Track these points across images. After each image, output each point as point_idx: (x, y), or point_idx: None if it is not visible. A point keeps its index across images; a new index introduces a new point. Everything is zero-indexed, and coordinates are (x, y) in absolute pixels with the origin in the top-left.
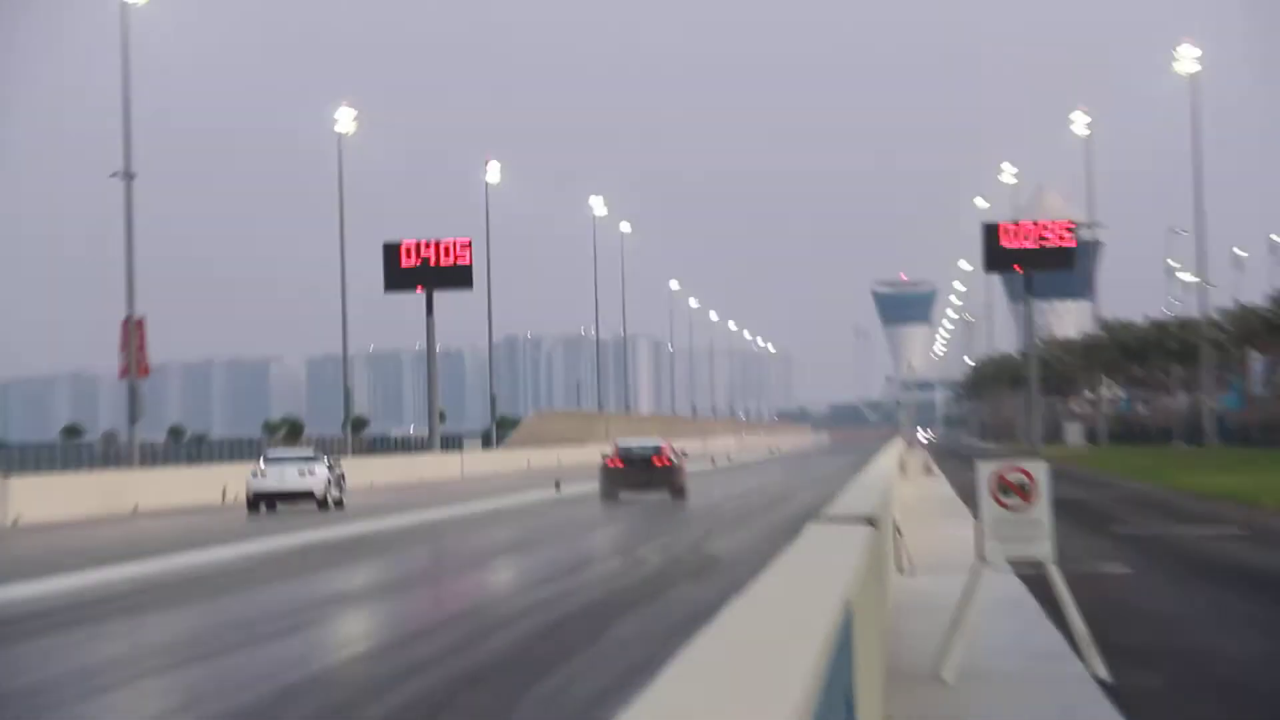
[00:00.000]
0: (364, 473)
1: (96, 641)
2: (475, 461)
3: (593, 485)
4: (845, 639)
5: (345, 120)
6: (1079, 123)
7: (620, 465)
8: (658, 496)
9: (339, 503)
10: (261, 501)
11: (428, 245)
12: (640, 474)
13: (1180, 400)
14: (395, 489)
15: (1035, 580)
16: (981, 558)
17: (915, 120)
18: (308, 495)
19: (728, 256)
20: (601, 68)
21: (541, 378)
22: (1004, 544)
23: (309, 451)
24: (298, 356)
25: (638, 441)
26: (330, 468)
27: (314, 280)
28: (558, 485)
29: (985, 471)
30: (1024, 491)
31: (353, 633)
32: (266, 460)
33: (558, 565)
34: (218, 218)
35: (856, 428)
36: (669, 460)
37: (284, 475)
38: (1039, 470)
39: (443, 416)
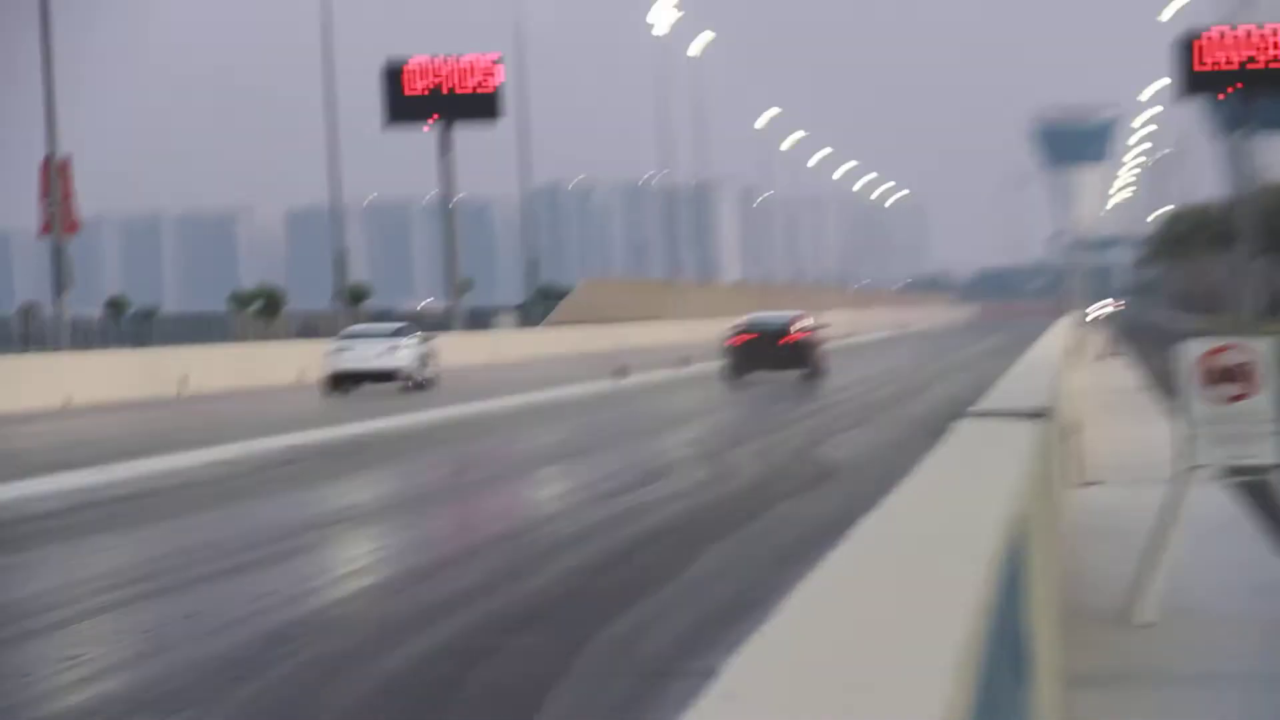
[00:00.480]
0: None
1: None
2: (510, 343)
3: (662, 373)
4: (1015, 567)
5: None
6: None
7: (749, 340)
8: (793, 374)
9: (428, 383)
10: (344, 381)
11: (442, 64)
12: (772, 350)
13: None
14: None
15: (1255, 494)
16: (1187, 464)
17: None
18: (392, 374)
19: (843, 82)
20: None
21: (594, 237)
22: (1218, 446)
23: (396, 325)
24: (274, 208)
25: (769, 314)
26: (423, 341)
27: (294, 109)
28: (620, 373)
29: (1191, 352)
30: (1245, 377)
31: (359, 562)
32: (347, 335)
33: (624, 474)
34: (168, 17)
35: (1012, 299)
36: (801, 334)
37: (367, 352)
38: (1263, 349)
39: (467, 285)
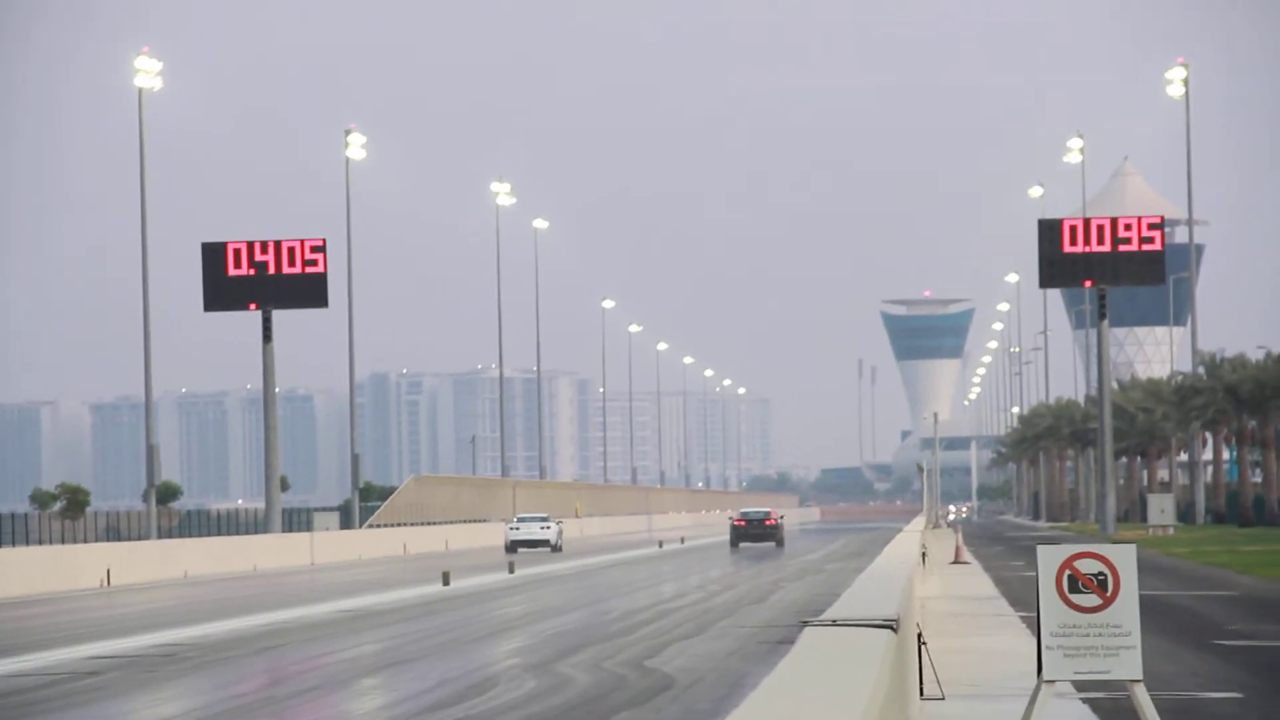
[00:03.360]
0: (175, 561)
1: None
2: (331, 545)
3: (495, 575)
4: None
5: (147, 72)
6: (1175, 80)
7: (744, 524)
8: (768, 546)
9: (559, 549)
10: (518, 547)
11: (265, 247)
12: (755, 530)
13: None
14: (220, 581)
15: (1114, 709)
16: (1043, 677)
17: (946, 83)
18: (546, 543)
19: (686, 275)
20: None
21: (422, 431)
22: (1074, 658)
23: (543, 516)
24: (79, 400)
25: (753, 509)
26: (558, 524)
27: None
28: (446, 578)
29: (1049, 559)
30: (1102, 587)
31: None
32: (518, 520)
33: (449, 685)
34: None
35: (859, 500)
36: (775, 521)
37: (531, 530)
38: (1123, 557)
39: (285, 484)
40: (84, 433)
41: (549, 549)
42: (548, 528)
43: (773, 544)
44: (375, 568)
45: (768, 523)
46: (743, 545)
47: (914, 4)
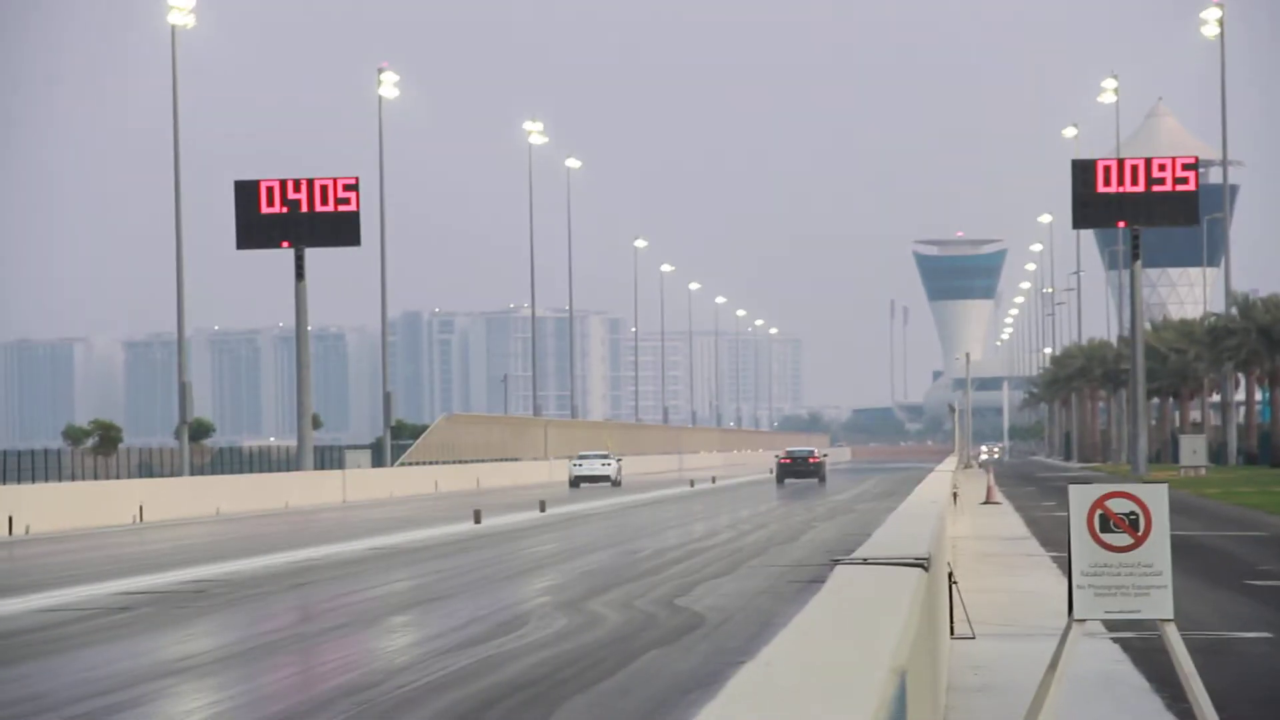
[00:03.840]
0: (207, 498)
1: None
2: (363, 483)
3: (526, 514)
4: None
5: (180, 9)
6: (1210, 21)
7: (789, 462)
8: (812, 482)
9: (619, 485)
10: (581, 481)
11: (298, 185)
12: (800, 467)
13: None
14: (252, 518)
15: (1144, 649)
16: (1074, 616)
17: (978, 26)
18: (607, 478)
19: (718, 214)
20: None
21: (454, 370)
22: (1105, 597)
23: (604, 453)
24: (112, 337)
25: (798, 448)
26: (618, 461)
27: (139, 232)
28: (477, 516)
29: (1080, 499)
30: (1133, 526)
31: (197, 717)
32: (581, 457)
33: (479, 624)
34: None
35: (890, 440)
36: (818, 459)
37: (593, 466)
38: (1155, 497)
39: (317, 421)
40: (117, 369)
41: (610, 484)
42: (609, 464)
43: (815, 480)
44: (407, 505)
45: (812, 460)
46: (788, 481)
47: None
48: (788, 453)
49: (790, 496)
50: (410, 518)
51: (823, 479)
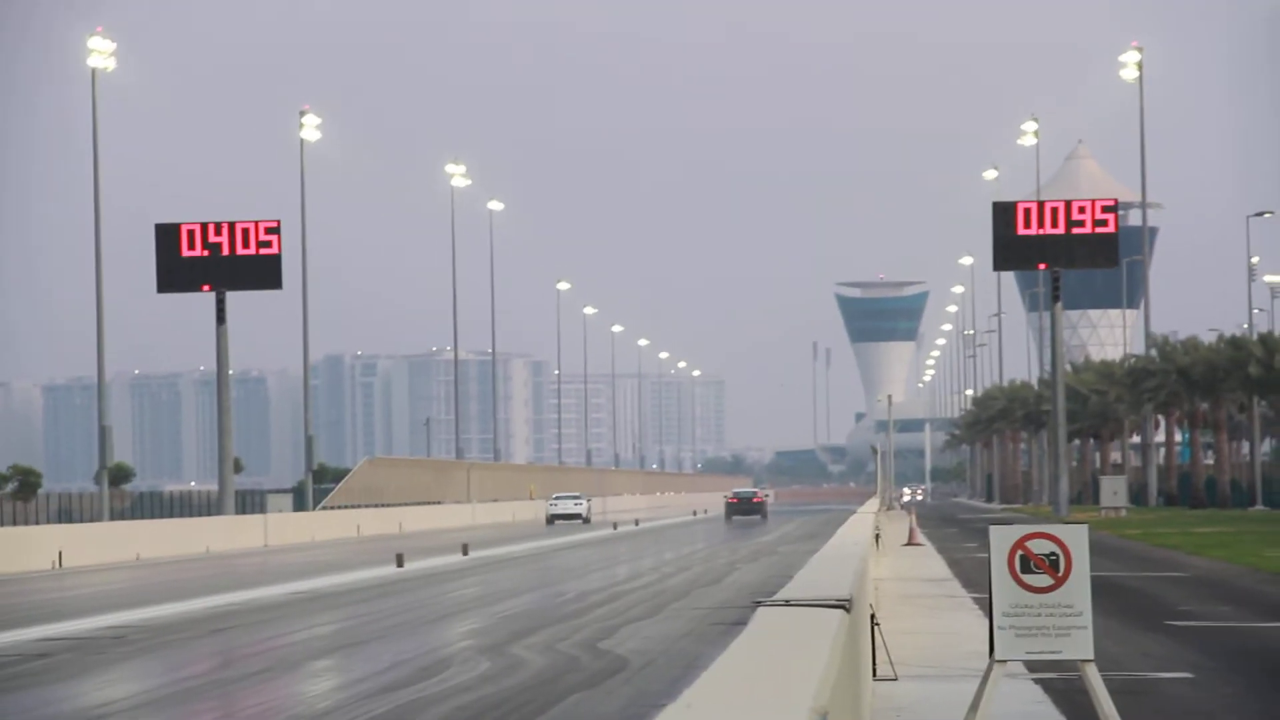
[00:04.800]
0: (127, 543)
1: None
2: (285, 527)
3: (449, 557)
4: None
5: (101, 53)
6: (1129, 64)
7: (736, 501)
8: (756, 519)
9: (589, 522)
10: (556, 519)
11: (219, 229)
12: (745, 505)
13: (1262, 448)
14: (172, 563)
15: (1065, 690)
16: (995, 656)
17: (903, 68)
18: (579, 516)
19: (640, 257)
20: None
21: (377, 413)
22: (1026, 638)
23: (578, 494)
24: (30, 380)
25: (744, 489)
26: (588, 501)
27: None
28: (400, 560)
29: (1001, 540)
30: (1054, 567)
31: None
32: (556, 499)
33: (402, 667)
34: None
35: (813, 482)
36: (760, 499)
37: (566, 506)
38: (1075, 538)
39: (239, 465)
40: (35, 413)
41: (581, 521)
42: (580, 504)
43: (759, 516)
44: (329, 550)
45: (755, 500)
46: (735, 518)
47: None
48: (735, 493)
49: (715, 538)
50: (332, 562)
51: (765, 516)
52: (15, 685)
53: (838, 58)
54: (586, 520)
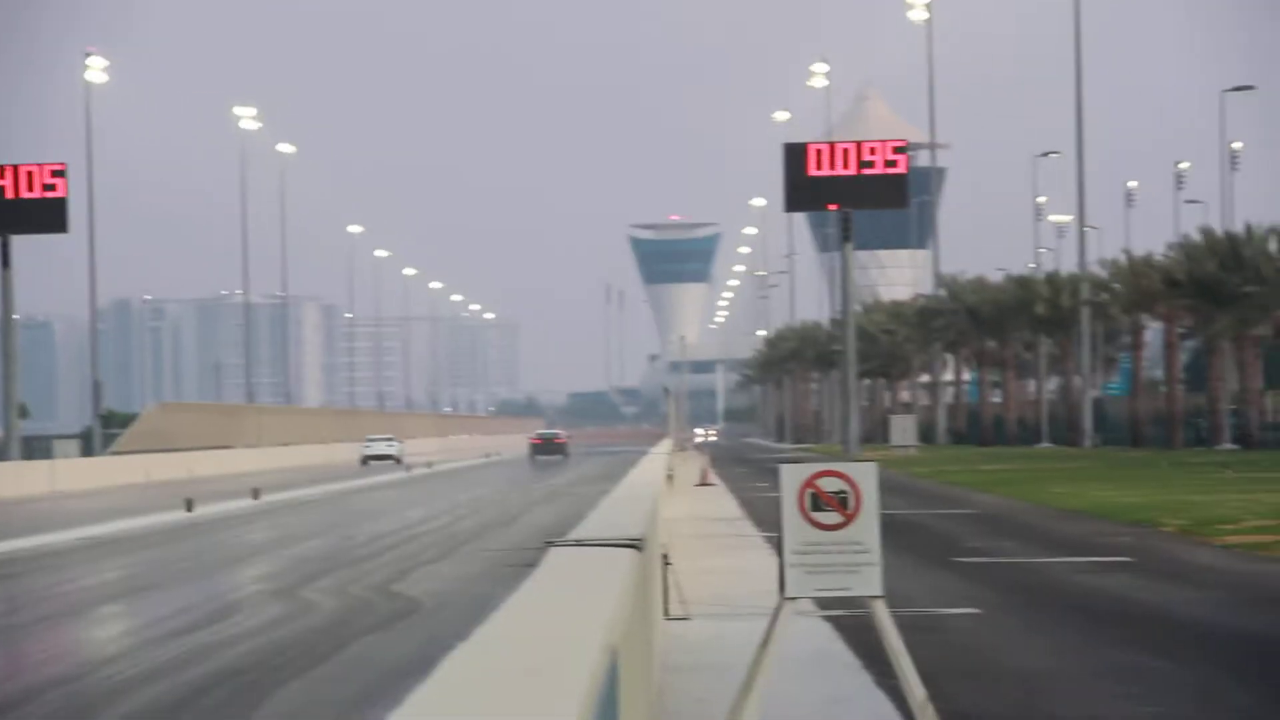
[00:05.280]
0: None
1: None
2: (72, 473)
3: (240, 502)
4: (609, 698)
5: None
6: (917, 4)
7: (540, 442)
8: (558, 458)
9: (401, 463)
10: (370, 460)
11: (2, 172)
12: (549, 446)
13: (1048, 386)
14: None
15: (855, 627)
16: (784, 594)
17: (690, 9)
18: (391, 458)
19: (433, 200)
20: None
21: (166, 357)
22: (816, 575)
23: (390, 435)
24: None
25: (547, 430)
26: (401, 443)
27: None
28: (189, 505)
29: (791, 478)
30: (843, 504)
31: None
32: (370, 440)
33: (191, 612)
34: None
35: (607, 424)
36: (562, 440)
37: (379, 447)
38: (864, 475)
39: (25, 411)
40: None
41: (394, 462)
42: (393, 445)
43: (561, 456)
44: (117, 495)
45: (557, 440)
46: (539, 458)
47: None
48: (539, 434)
49: (505, 483)
50: (120, 507)
51: (566, 454)
52: None
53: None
54: (399, 461)
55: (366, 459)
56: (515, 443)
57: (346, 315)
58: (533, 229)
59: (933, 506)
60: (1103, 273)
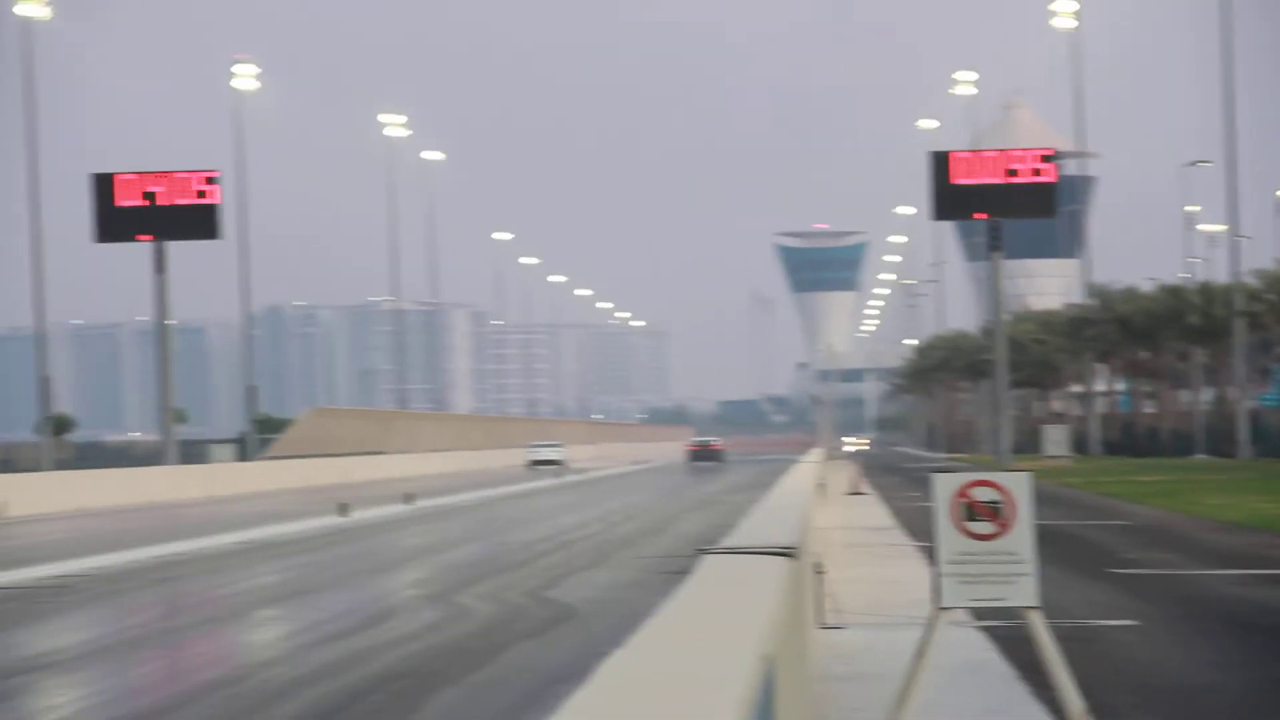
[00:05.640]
0: (70, 493)
1: None
2: (228, 477)
3: (394, 507)
4: (766, 707)
5: (38, 1)
6: (1065, 12)
7: (697, 448)
8: (713, 464)
9: (567, 469)
10: (538, 465)
11: (157, 178)
12: (705, 453)
13: (1202, 396)
14: (116, 513)
15: (1010, 637)
16: (939, 603)
17: (839, 19)
18: (557, 462)
19: (581, 208)
20: None
21: (318, 363)
22: (970, 585)
23: (554, 441)
24: None
25: (702, 438)
26: (565, 448)
27: None
28: (343, 509)
29: (944, 488)
30: (997, 514)
31: (64, 711)
32: (535, 445)
33: (347, 616)
34: None
35: (756, 432)
36: (718, 446)
37: (546, 453)
38: (1018, 485)
39: (182, 416)
40: None
41: (558, 466)
42: (558, 449)
43: (716, 462)
44: (273, 500)
45: (713, 447)
46: (696, 463)
47: None
48: (696, 441)
49: (659, 491)
50: (276, 512)
51: (722, 461)
52: None
53: (777, 12)
54: (563, 465)
55: (533, 463)
56: (665, 450)
57: (495, 322)
58: (682, 237)
59: (1087, 517)
60: (1257, 283)
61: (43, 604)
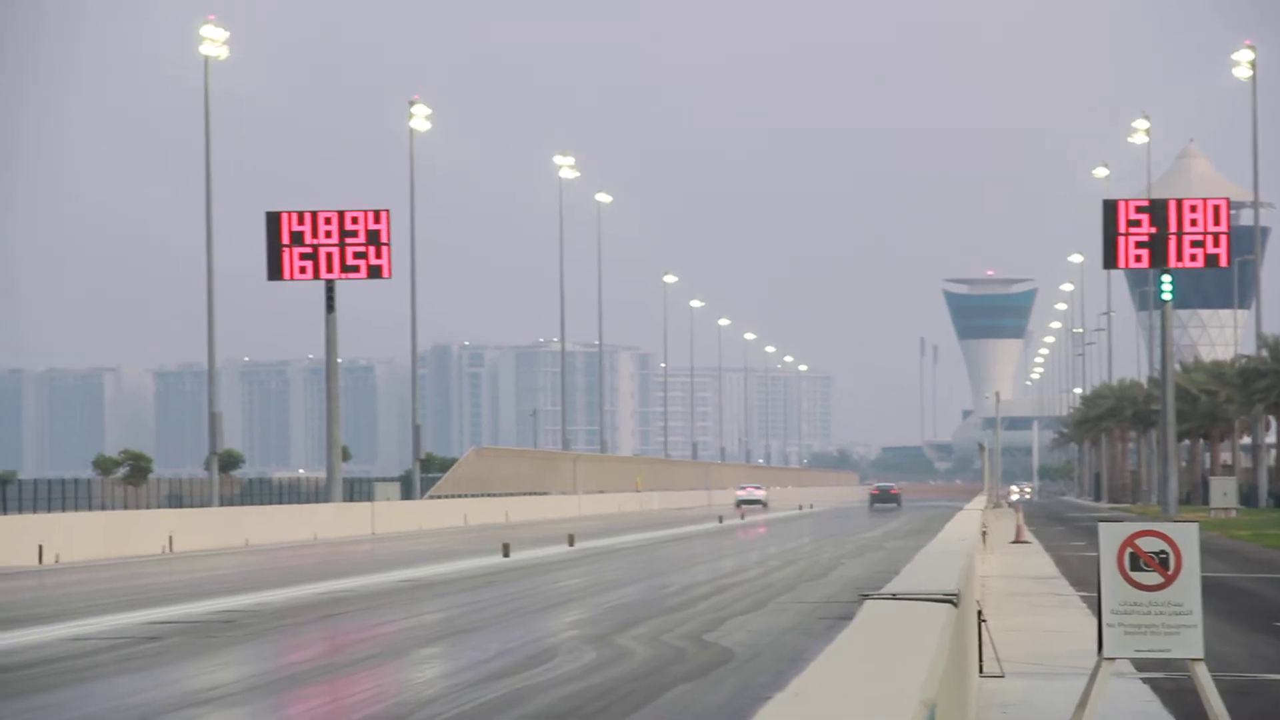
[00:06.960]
0: (236, 529)
1: None
2: (392, 515)
3: (555, 548)
4: None
5: (214, 41)
6: (1241, 63)
7: (877, 493)
8: (892, 506)
9: (768, 506)
10: (744, 505)
11: (328, 217)
12: (885, 497)
13: None
14: (281, 550)
15: (1174, 690)
16: (1103, 654)
17: (1009, 65)
18: (762, 501)
19: (748, 251)
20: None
21: (483, 403)
22: (1135, 635)
23: (759, 484)
24: (142, 367)
25: (883, 483)
26: (768, 489)
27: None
28: (506, 550)
29: (1111, 537)
30: (1164, 565)
31: None
32: (742, 486)
33: (508, 656)
34: (34, 168)
35: (919, 478)
36: (896, 491)
37: (752, 493)
38: (1185, 536)
39: (347, 454)
40: (147, 400)
41: (763, 506)
42: (761, 491)
43: (895, 505)
44: (435, 538)
45: (893, 492)
46: (876, 506)
47: None
48: (877, 486)
49: (820, 533)
50: (439, 550)
51: (899, 504)
52: (126, 668)
53: (949, 56)
54: (766, 505)
55: (740, 503)
56: (828, 494)
57: (661, 365)
58: (848, 282)
59: (1253, 570)
60: None
61: (209, 638)
